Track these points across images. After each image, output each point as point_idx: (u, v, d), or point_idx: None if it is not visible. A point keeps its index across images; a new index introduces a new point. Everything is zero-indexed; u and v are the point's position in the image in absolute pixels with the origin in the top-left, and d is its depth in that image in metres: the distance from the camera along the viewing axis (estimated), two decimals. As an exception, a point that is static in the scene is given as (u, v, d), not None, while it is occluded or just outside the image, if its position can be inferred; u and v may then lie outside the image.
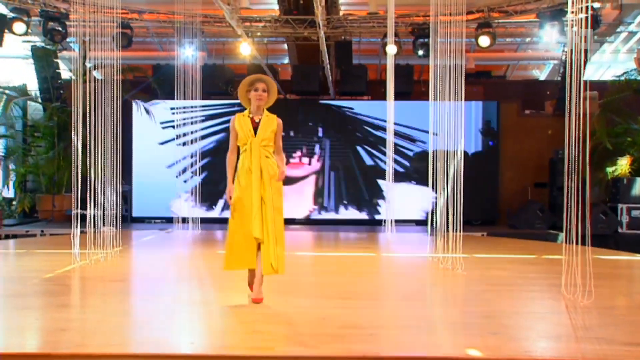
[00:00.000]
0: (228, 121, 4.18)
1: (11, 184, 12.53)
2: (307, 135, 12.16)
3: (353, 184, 12.10)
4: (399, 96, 9.63)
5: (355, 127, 12.16)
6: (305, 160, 12.08)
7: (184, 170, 11.20)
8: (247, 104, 4.32)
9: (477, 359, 3.08)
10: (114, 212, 6.81)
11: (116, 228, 6.80)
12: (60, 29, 10.38)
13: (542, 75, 14.57)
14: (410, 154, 11.96)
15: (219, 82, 11.74)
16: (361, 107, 12.19)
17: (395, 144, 11.16)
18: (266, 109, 4.31)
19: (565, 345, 3.39)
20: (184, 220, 9.30)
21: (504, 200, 12.11)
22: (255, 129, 4.22)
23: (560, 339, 3.50)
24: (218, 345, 3.37)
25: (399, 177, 11.23)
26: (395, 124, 10.46)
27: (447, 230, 6.11)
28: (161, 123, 11.71)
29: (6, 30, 10.19)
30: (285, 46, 12.62)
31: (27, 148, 12.56)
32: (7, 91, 12.00)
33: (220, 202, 11.77)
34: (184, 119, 10.32)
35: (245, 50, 10.76)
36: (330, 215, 12.04)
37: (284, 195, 4.34)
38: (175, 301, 4.53)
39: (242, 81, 4.28)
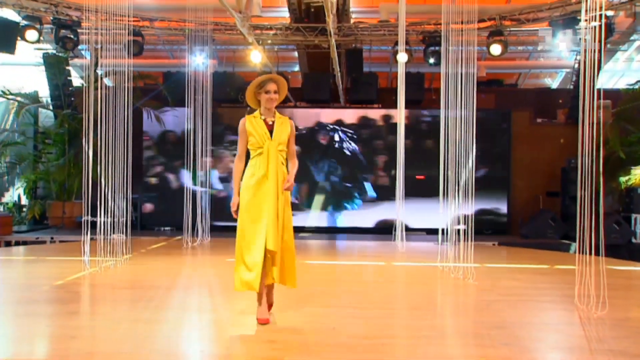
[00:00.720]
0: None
1: (22, 190, 12.55)
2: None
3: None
4: (409, 104, 9.56)
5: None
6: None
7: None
8: (256, 105, 4.02)
9: (489, 371, 3.06)
10: (124, 219, 6.77)
11: (126, 235, 6.77)
12: (72, 36, 10.42)
13: (554, 83, 14.50)
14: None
15: (230, 89, 11.72)
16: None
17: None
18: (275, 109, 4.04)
19: (578, 358, 3.33)
20: (194, 228, 9.26)
21: (516, 209, 11.99)
22: (271, 132, 3.92)
23: (573, 351, 3.46)
24: (227, 354, 3.33)
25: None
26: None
27: (459, 240, 6.06)
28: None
29: (19, 38, 10.22)
30: (296, 54, 12.59)
31: (38, 155, 12.60)
32: (18, 98, 12.03)
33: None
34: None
35: (256, 58, 10.70)
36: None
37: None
38: (184, 309, 4.51)
39: (252, 82, 4.00)
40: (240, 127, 3.99)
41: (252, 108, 4.07)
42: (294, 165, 4.05)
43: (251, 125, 3.94)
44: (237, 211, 3.93)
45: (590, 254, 4.31)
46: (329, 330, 3.77)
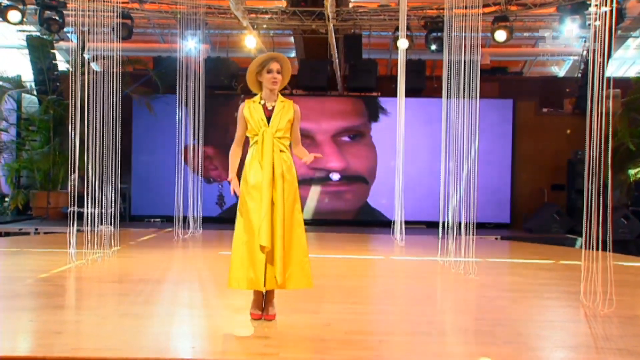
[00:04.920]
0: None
1: (4, 179, 12.32)
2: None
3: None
4: (410, 93, 9.36)
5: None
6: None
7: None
8: (257, 89, 3.75)
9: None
10: (112, 210, 6.65)
11: (114, 227, 6.68)
12: (57, 18, 10.10)
13: (561, 71, 14.37)
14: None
15: (223, 76, 11.52)
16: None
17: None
18: (279, 92, 3.77)
19: (584, 356, 3.28)
20: (185, 219, 9.05)
21: (519, 202, 11.84)
22: (269, 118, 3.65)
23: (579, 350, 3.42)
24: (219, 350, 3.28)
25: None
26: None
27: (460, 234, 5.99)
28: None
29: (0, 19, 9.92)
30: (292, 39, 12.47)
31: (22, 142, 12.37)
32: (0, 82, 11.75)
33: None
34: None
35: (251, 43, 10.59)
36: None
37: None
38: (175, 303, 4.47)
39: (252, 62, 3.71)
40: (239, 112, 3.75)
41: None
42: (304, 152, 3.83)
43: (249, 110, 3.69)
44: (239, 190, 3.71)
45: (597, 249, 4.26)
46: (324, 326, 3.70)
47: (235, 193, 3.71)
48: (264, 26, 11.07)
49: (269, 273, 3.56)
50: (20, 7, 9.87)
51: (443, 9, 7.26)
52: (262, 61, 3.69)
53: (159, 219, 11.62)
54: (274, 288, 3.64)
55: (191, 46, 10.01)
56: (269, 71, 3.65)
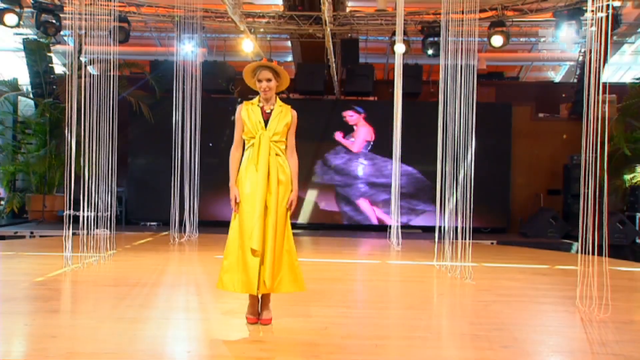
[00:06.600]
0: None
1: None
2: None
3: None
4: (406, 97, 9.33)
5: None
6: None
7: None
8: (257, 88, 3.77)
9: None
10: (108, 213, 6.63)
11: (110, 230, 6.65)
12: (54, 21, 10.09)
13: (557, 77, 14.39)
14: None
15: (220, 79, 11.50)
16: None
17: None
18: (278, 97, 3.79)
19: None
20: (181, 223, 9.00)
21: (516, 207, 11.81)
22: (266, 121, 3.66)
23: (574, 355, 3.42)
24: (215, 354, 3.26)
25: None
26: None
27: (456, 238, 5.99)
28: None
29: None
30: (289, 43, 12.43)
31: (17, 145, 12.30)
32: None
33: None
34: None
35: (248, 47, 10.55)
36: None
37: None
38: (171, 307, 4.43)
39: (245, 68, 3.73)
40: (236, 113, 3.76)
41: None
42: (295, 163, 3.75)
43: (246, 112, 3.70)
44: (237, 203, 3.67)
45: (593, 254, 4.24)
46: (321, 330, 3.70)
47: (235, 203, 3.67)
48: (261, 30, 11.02)
49: (260, 277, 3.55)
50: (17, 10, 9.82)
51: (440, 13, 7.26)
52: (253, 69, 3.72)
53: (155, 223, 11.58)
54: (263, 292, 3.62)
55: (188, 50, 9.99)
56: (259, 81, 3.69)
